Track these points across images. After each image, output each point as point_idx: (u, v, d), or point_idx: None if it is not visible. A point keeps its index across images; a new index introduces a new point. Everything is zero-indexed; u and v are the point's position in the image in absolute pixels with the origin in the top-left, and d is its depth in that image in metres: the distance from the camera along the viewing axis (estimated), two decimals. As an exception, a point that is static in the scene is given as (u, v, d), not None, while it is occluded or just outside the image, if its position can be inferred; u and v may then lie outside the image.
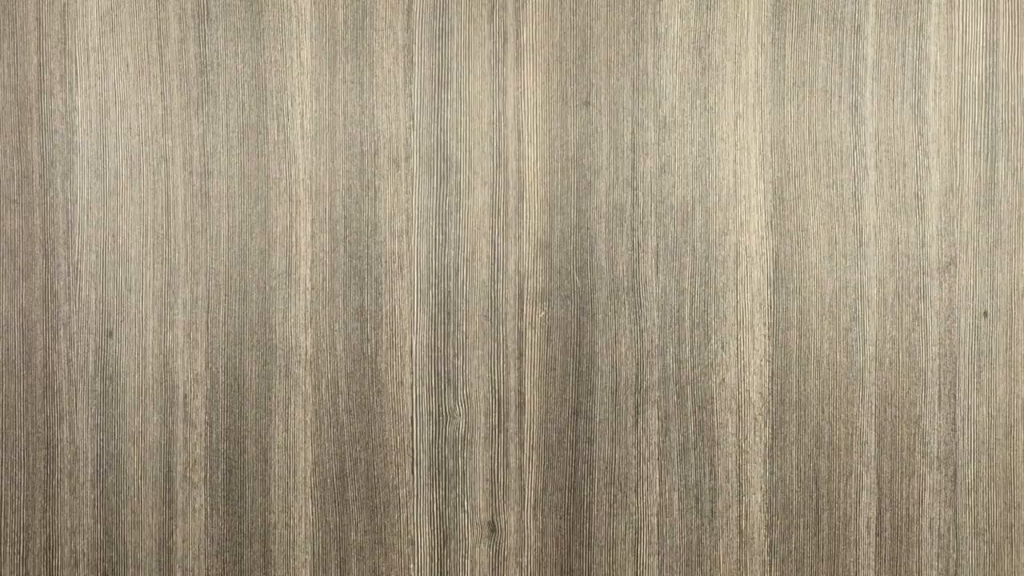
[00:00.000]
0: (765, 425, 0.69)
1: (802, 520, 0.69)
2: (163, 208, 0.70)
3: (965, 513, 0.69)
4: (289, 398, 0.69)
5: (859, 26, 0.69)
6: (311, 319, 0.69)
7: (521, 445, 0.69)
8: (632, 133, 0.69)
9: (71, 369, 0.70)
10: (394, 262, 0.69)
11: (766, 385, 0.69)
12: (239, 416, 0.69)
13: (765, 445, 0.69)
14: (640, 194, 0.69)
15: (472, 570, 0.69)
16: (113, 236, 0.70)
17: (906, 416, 0.69)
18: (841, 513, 0.69)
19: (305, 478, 0.69)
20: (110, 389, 0.70)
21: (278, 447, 0.69)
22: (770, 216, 0.69)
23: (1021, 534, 0.69)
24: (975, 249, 0.69)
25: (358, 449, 0.69)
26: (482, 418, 0.69)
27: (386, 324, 0.68)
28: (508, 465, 0.69)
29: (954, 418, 0.69)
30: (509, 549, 0.69)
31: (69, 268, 0.70)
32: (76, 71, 0.70)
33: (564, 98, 0.69)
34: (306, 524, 0.69)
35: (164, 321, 0.70)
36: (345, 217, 0.69)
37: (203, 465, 0.70)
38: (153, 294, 0.70)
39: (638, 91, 0.69)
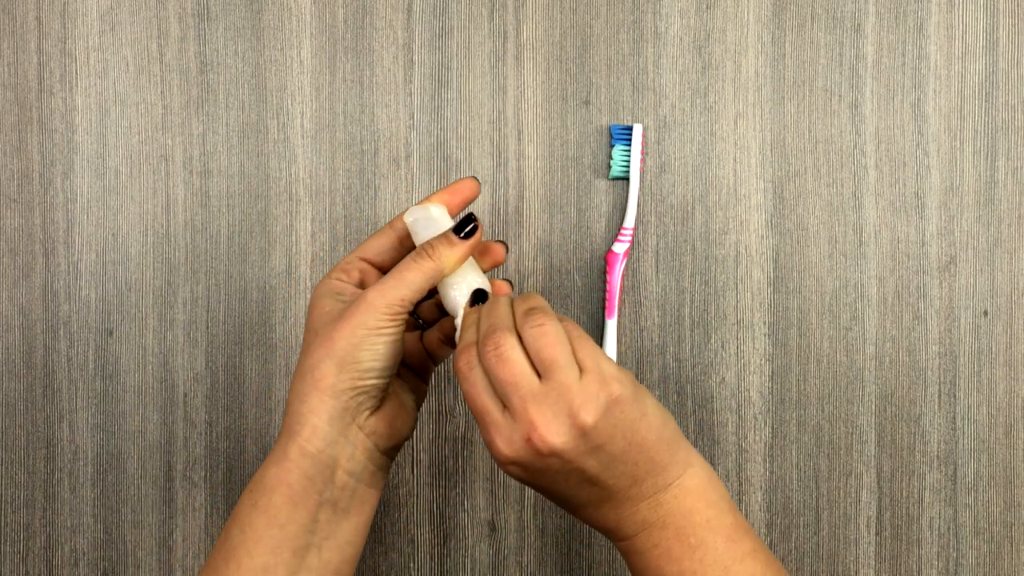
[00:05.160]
0: (765, 424, 0.69)
1: (802, 519, 0.69)
2: (163, 207, 0.70)
3: (965, 512, 0.69)
4: (289, 397, 0.69)
5: (859, 25, 0.69)
6: (311, 318, 0.69)
7: (521, 444, 0.69)
8: (632, 132, 0.69)
9: (71, 368, 0.70)
10: (394, 261, 0.68)
11: (766, 384, 0.69)
12: (239, 416, 0.70)
13: (765, 444, 0.69)
14: (640, 193, 0.69)
15: (472, 569, 0.69)
16: (113, 235, 0.70)
17: (906, 415, 0.69)
18: (841, 512, 0.69)
19: (305, 477, 0.69)
20: (110, 388, 0.70)
21: (278, 446, 0.69)
22: (770, 215, 0.69)
23: (1021, 533, 0.69)
24: (975, 248, 0.69)
25: (358, 448, 0.69)
26: (482, 417, 0.69)
27: (386, 323, 0.68)
28: (508, 464, 0.69)
29: (954, 417, 0.69)
30: (509, 548, 0.69)
31: (69, 268, 0.70)
32: (76, 70, 0.70)
33: (564, 97, 0.69)
34: (306, 523, 0.68)
35: (164, 320, 0.70)
36: (345, 216, 0.69)
37: (203, 465, 0.70)
38: (153, 293, 0.70)
39: (638, 90, 0.69)
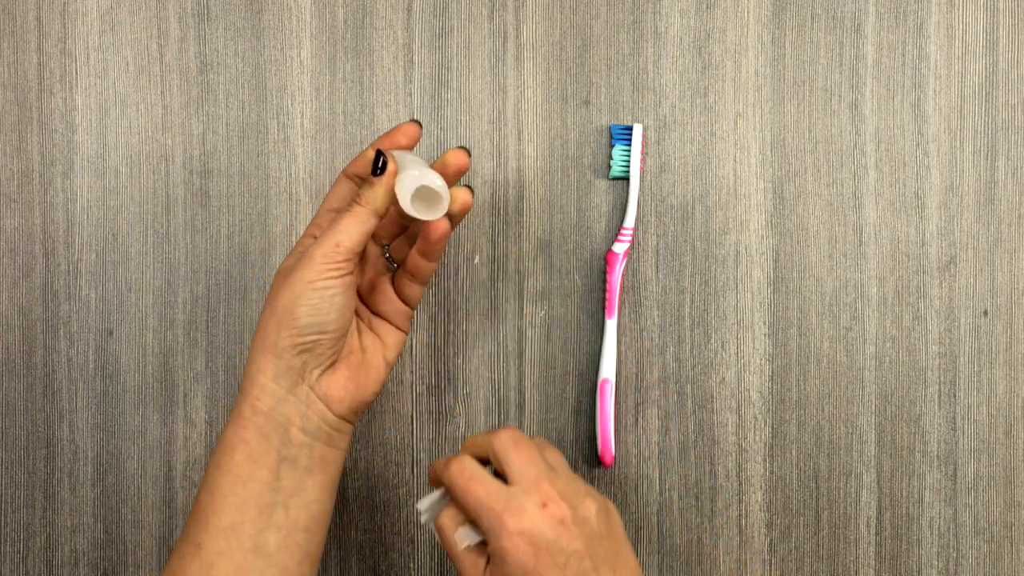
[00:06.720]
0: (765, 424, 0.69)
1: (802, 519, 0.69)
2: (163, 207, 0.70)
3: (965, 512, 0.69)
4: (289, 397, 0.69)
5: (859, 25, 0.69)
6: (311, 318, 0.69)
7: (521, 444, 0.69)
8: (632, 132, 0.69)
9: (71, 368, 0.70)
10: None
11: (766, 384, 0.69)
12: (239, 415, 0.70)
13: (765, 444, 0.69)
14: (640, 193, 0.69)
15: (472, 569, 0.69)
16: (113, 235, 0.70)
17: (906, 415, 0.69)
18: (841, 512, 0.69)
19: (305, 477, 0.68)
20: (110, 388, 0.70)
21: (278, 446, 0.69)
22: (770, 215, 0.69)
23: (1021, 533, 0.69)
24: (975, 248, 0.69)
25: (358, 448, 0.69)
26: (482, 417, 0.69)
27: (386, 323, 0.68)
28: (508, 464, 0.69)
29: (954, 417, 0.69)
30: (509, 548, 0.69)
31: (69, 267, 0.70)
32: (76, 70, 0.70)
33: (564, 97, 0.69)
34: (306, 523, 0.68)
35: (164, 320, 0.70)
36: (345, 216, 0.69)
37: (203, 465, 0.70)
38: (153, 293, 0.70)
39: (638, 90, 0.69)
